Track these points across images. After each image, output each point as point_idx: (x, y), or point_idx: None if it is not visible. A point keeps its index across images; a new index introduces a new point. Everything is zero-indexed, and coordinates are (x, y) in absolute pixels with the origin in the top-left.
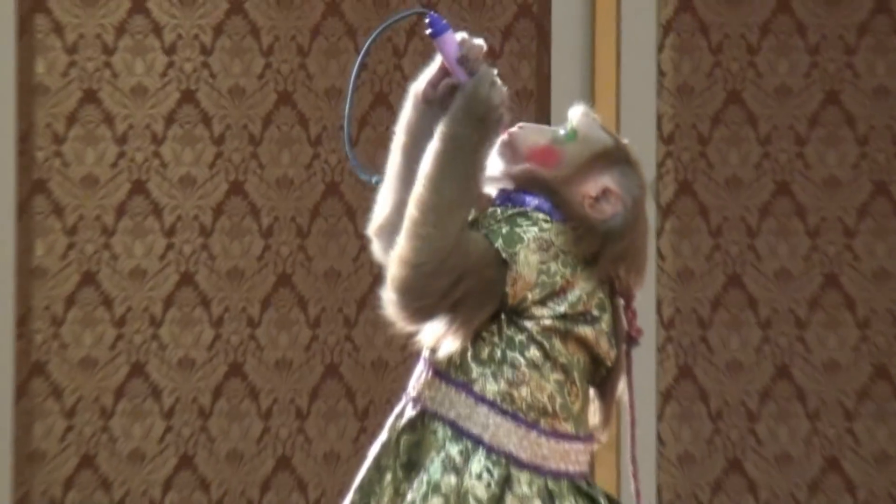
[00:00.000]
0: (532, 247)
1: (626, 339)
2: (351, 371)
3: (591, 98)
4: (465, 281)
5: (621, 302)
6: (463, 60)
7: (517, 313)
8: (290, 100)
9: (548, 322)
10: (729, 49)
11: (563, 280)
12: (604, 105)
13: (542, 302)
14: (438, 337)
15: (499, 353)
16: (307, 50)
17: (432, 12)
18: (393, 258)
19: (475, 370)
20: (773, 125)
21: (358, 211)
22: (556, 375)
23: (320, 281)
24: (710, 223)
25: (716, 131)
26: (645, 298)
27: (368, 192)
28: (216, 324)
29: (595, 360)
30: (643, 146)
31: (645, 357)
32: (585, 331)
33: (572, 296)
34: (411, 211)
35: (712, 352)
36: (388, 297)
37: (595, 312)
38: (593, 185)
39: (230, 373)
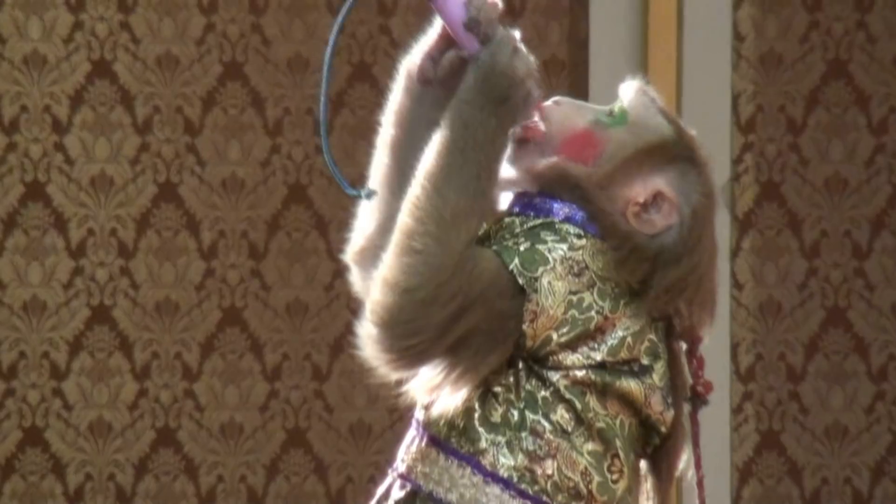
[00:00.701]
0: (559, 270)
1: (690, 396)
2: (321, 439)
3: (642, 71)
4: (470, 313)
5: (682, 347)
6: (472, 24)
7: (539, 361)
8: (241, 73)
9: (580, 373)
10: (830, 5)
11: (601, 317)
12: (660, 80)
13: (571, 346)
14: (433, 388)
15: (516, 416)
16: (262, 6)
17: None
18: (377, 280)
19: (484, 438)
20: (891, 107)
21: (332, 223)
22: (592, 445)
23: (281, 318)
24: (803, 240)
25: (812, 116)
26: (716, 341)
27: (346, 199)
28: (141, 375)
29: (645, 423)
30: (714, 136)
31: (717, 420)
32: (631, 385)
33: (613, 338)
34: (404, 219)
35: (806, 413)
36: (368, 333)
37: (644, 361)
38: (641, 189)
39: (159, 441)
